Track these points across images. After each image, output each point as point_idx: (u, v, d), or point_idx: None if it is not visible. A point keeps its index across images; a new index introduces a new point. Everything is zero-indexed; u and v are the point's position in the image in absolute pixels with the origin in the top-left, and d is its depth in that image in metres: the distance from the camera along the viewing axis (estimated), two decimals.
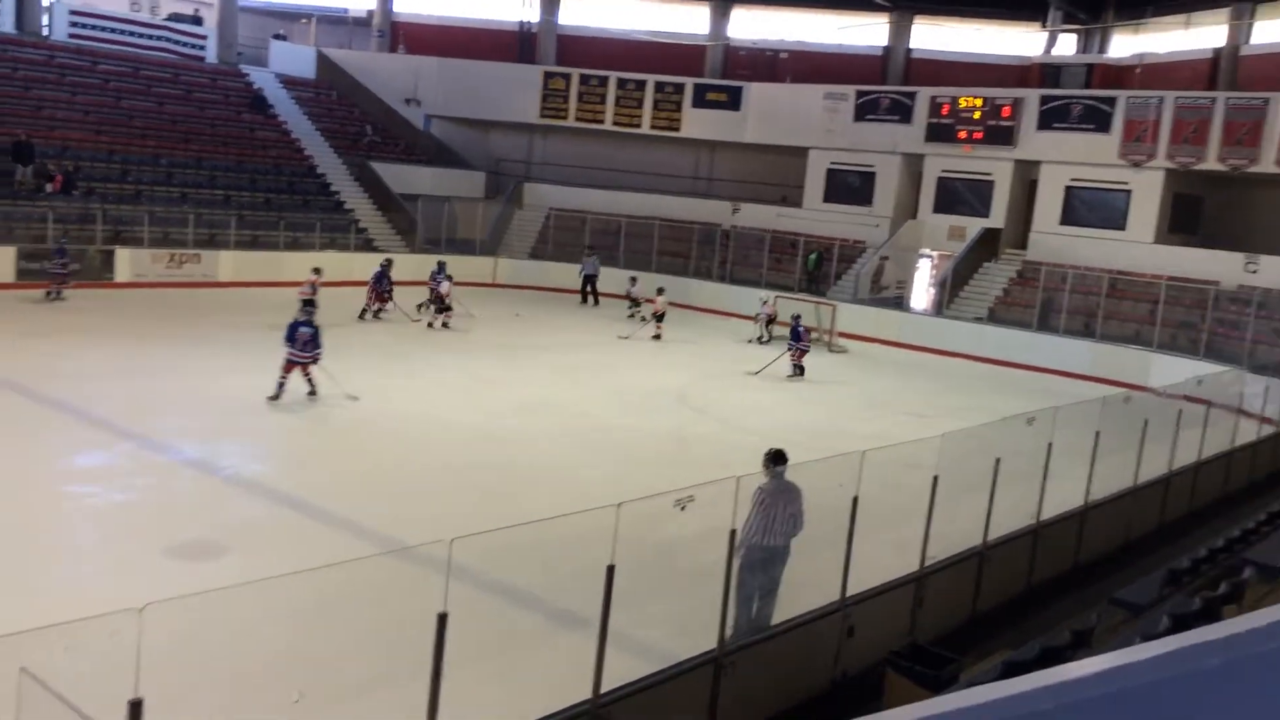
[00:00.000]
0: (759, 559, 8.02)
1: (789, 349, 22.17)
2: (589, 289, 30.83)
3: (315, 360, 15.65)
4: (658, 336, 24.67)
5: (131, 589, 8.17)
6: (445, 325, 23.59)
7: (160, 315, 22.35)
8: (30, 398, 14.72)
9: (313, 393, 15.75)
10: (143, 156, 29.53)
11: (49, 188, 25.92)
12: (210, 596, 4.83)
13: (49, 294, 22.47)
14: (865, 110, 33.04)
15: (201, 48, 36.28)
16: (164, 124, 31.22)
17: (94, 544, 9.96)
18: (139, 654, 4.27)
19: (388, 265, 24.83)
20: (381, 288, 24.37)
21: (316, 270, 22.13)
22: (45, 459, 12.41)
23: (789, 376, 21.68)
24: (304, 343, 15.53)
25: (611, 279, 30.98)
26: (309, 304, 16.47)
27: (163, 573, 9.07)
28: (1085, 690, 1.98)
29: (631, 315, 27.95)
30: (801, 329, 22.25)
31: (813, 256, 31.40)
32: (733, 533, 7.33)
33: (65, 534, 10.17)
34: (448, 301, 23.82)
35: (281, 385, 15.53)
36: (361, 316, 23.93)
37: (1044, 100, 30.11)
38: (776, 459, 8.28)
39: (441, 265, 25.10)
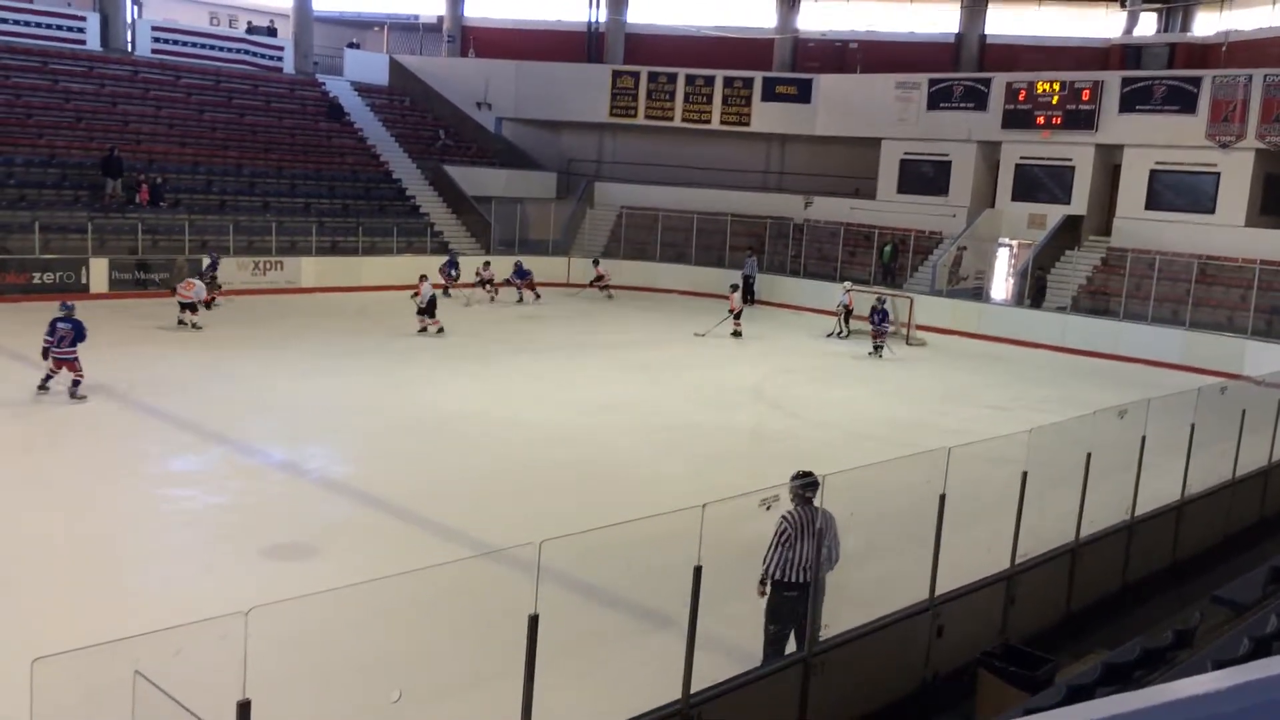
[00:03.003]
0: (789, 599, 7.32)
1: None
2: (749, 290, 30.74)
3: (70, 359, 15.07)
4: (737, 333, 24.57)
5: (231, 590, 8.42)
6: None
7: (245, 321, 22.92)
8: (125, 404, 15.22)
9: (43, 387, 15.10)
10: (226, 167, 30.31)
11: (137, 198, 26.74)
12: (311, 600, 4.93)
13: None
14: (939, 98, 32.50)
15: (279, 59, 37.09)
16: (245, 134, 32.02)
17: (193, 546, 10.24)
18: (245, 656, 4.38)
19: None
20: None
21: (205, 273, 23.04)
22: (143, 463, 12.82)
23: (868, 354, 23.14)
24: (60, 339, 15.04)
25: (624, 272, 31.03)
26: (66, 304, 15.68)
27: (259, 574, 9.31)
28: (1216, 707, 1.92)
29: (493, 297, 28.44)
30: (885, 309, 23.34)
31: (887, 248, 31.01)
32: (819, 531, 7.26)
33: (166, 536, 10.49)
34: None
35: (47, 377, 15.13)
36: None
37: (1125, 82, 29.30)
38: (806, 484, 7.42)
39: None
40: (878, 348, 23.11)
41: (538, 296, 28.82)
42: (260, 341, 20.64)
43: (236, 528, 10.71)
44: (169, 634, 4.54)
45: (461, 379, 18.45)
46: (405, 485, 12.41)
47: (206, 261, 24.74)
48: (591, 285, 30.75)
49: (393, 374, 18.63)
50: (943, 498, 8.08)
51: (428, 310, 22.35)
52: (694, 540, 6.66)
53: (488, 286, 28.57)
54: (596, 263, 31.35)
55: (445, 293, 26.80)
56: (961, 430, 15.91)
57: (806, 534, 7.34)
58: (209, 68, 34.37)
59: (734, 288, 26.03)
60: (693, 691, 6.38)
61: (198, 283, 21.85)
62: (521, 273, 28.96)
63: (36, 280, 23.56)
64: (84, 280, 24.18)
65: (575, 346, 22.67)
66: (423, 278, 22.97)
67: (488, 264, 29.27)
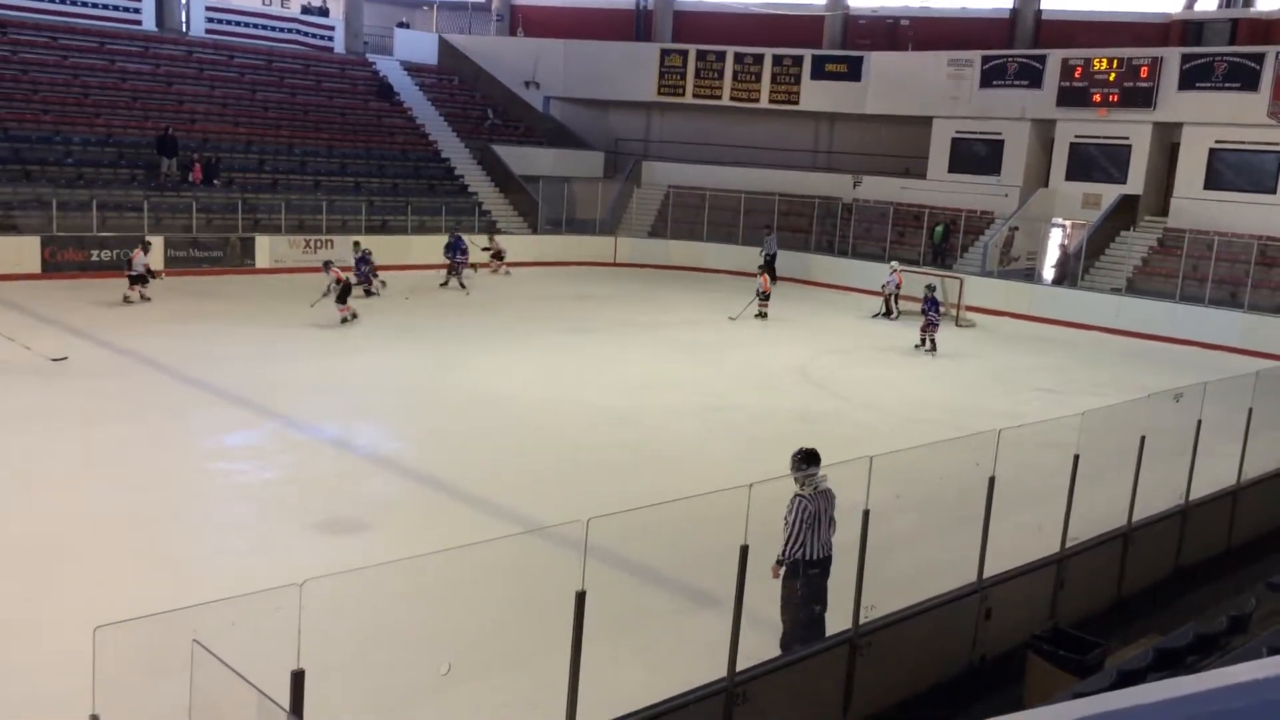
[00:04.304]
0: (812, 577, 7.34)
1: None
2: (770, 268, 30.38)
3: None
4: (762, 314, 24.05)
5: (285, 562, 8.58)
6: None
7: (296, 299, 23.20)
8: (179, 379, 15.50)
9: None
10: (278, 146, 30.65)
11: (191, 177, 27.16)
12: (364, 573, 5.02)
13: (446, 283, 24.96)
14: (992, 76, 31.97)
15: (329, 38, 37.39)
16: (296, 114, 32.34)
17: (247, 519, 10.45)
18: (299, 627, 4.47)
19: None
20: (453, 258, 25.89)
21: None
22: (195, 438, 13.07)
23: (915, 347, 21.40)
24: None
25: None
26: None
27: (312, 547, 9.47)
28: (1269, 693, 1.89)
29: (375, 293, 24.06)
30: (936, 297, 21.76)
31: (939, 229, 30.63)
32: (865, 513, 7.22)
33: (221, 509, 10.71)
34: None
35: None
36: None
37: (1185, 59, 28.62)
38: (809, 460, 7.45)
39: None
40: (931, 342, 21.20)
41: (460, 280, 25.71)
42: (310, 318, 20.87)
43: (289, 502, 10.90)
44: (226, 604, 4.65)
45: (511, 358, 18.56)
46: (455, 463, 12.54)
47: (357, 255, 23.84)
48: (488, 258, 28.12)
49: (442, 353, 18.79)
50: (992, 480, 8.02)
51: (340, 297, 20.37)
52: (740, 520, 6.68)
53: (372, 279, 23.92)
54: (492, 236, 29.14)
55: (453, 273, 25.59)
56: (1011, 413, 15.74)
57: (822, 511, 7.38)
58: (261, 48, 34.71)
59: (761, 269, 25.65)
60: (738, 670, 6.41)
61: (142, 256, 21.48)
62: (460, 249, 26.21)
63: (94, 258, 24.01)
64: None
65: (622, 326, 22.69)
66: (327, 264, 21.22)
67: (363, 253, 24.09)
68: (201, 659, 4.54)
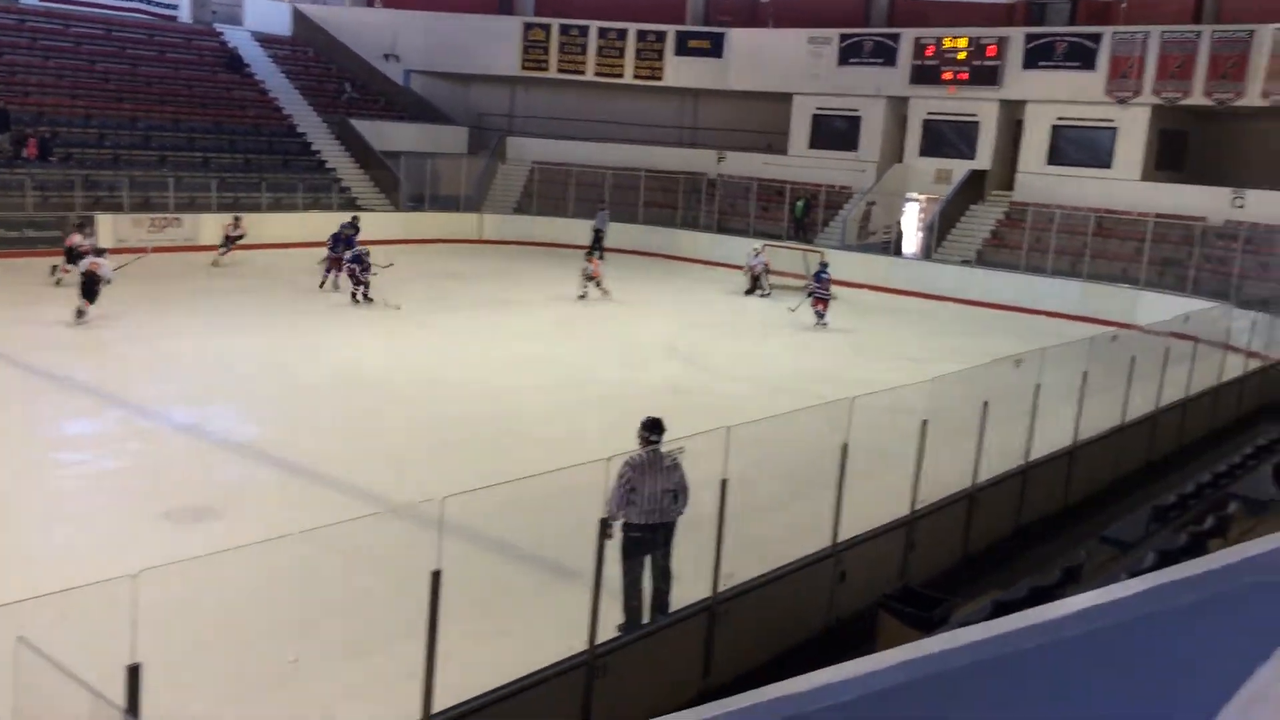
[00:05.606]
0: (634, 539, 7.33)
1: (810, 296, 21.82)
2: (598, 244, 29.89)
3: None
4: (606, 292, 23.20)
5: (126, 555, 8.19)
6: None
7: (142, 281, 22.15)
8: (15, 366, 14.66)
9: None
10: (119, 120, 29.15)
11: (24, 153, 25.60)
12: (204, 561, 4.85)
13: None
14: (849, 54, 32.72)
15: (174, 7, 35.67)
16: (139, 86, 30.80)
17: (86, 511, 9.95)
18: (136, 620, 4.29)
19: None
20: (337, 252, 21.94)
21: None
22: (34, 427, 12.38)
23: (815, 326, 21.50)
24: None
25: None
26: None
27: (156, 538, 9.08)
28: (1069, 628, 2.02)
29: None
30: (825, 275, 21.95)
31: (800, 204, 31.29)
32: (724, 482, 7.34)
33: (57, 501, 10.16)
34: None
35: None
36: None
37: (1029, 39, 29.87)
38: (652, 429, 7.57)
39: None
40: (819, 315, 21.46)
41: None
42: (160, 301, 19.99)
43: (134, 492, 10.44)
44: (54, 599, 4.44)
45: (374, 338, 18.18)
46: (315, 446, 12.20)
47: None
48: (227, 246, 24.60)
49: (302, 334, 18.26)
50: (845, 447, 8.26)
51: (87, 290, 17.35)
52: (600, 493, 6.72)
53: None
54: (238, 219, 25.26)
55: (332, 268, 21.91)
56: (873, 382, 16.04)
57: (649, 478, 7.36)
58: (100, 16, 32.88)
59: (591, 249, 25.23)
60: (599, 642, 6.45)
61: None
62: (343, 244, 22.03)
63: None
64: None
65: (488, 304, 22.46)
66: (88, 251, 18.82)
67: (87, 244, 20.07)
68: (27, 658, 4.31)
